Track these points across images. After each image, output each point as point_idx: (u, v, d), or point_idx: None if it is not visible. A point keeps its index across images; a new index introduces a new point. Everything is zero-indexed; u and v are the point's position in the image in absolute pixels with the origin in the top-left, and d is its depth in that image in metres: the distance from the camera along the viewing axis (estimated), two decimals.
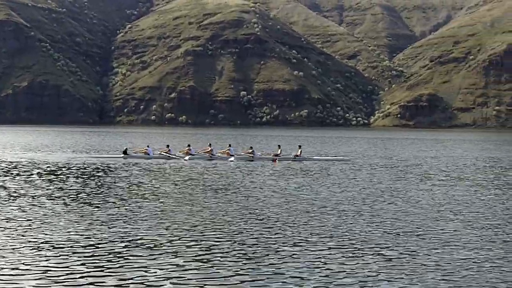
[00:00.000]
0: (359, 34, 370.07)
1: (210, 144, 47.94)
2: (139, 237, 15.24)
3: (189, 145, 47.18)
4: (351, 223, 17.72)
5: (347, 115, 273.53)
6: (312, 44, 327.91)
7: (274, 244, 14.84)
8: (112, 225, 16.74)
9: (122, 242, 14.68)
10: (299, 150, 46.05)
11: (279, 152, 46.35)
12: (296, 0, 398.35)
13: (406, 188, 26.98)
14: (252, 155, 45.67)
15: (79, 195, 22.92)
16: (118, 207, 20.16)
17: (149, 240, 14.92)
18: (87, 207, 20.01)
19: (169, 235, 15.63)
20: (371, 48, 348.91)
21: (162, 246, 14.30)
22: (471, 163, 44.49)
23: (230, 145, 47.53)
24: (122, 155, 44.41)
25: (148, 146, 47.08)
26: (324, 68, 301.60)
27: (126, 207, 20.07)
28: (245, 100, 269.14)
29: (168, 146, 47.10)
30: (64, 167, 35.67)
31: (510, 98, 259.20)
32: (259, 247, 14.50)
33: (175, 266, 12.53)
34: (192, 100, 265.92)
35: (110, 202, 21.25)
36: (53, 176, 30.16)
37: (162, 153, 45.22)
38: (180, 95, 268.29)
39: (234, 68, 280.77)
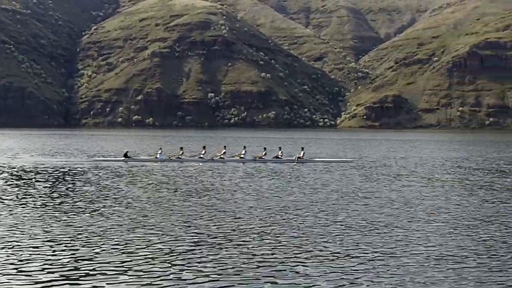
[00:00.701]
0: (325, 36, 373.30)
1: (225, 147, 47.95)
2: (106, 242, 15.53)
3: (204, 147, 46.89)
4: (321, 224, 18.25)
5: (314, 116, 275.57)
6: (279, 46, 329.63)
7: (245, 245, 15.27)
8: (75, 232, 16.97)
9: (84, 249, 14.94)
10: (302, 152, 45.81)
11: (280, 154, 46.11)
12: (263, 2, 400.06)
13: (377, 188, 27.69)
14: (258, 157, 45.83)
15: (50, 200, 23.04)
16: (85, 212, 20.38)
17: (119, 247, 15.22)
18: (54, 211, 20.19)
19: (138, 241, 15.94)
20: (337, 50, 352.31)
21: (135, 253, 14.59)
22: (440, 164, 45.52)
23: (244, 147, 47.85)
24: (123, 158, 44.07)
25: (161, 148, 47.01)
26: (291, 70, 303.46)
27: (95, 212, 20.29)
28: (212, 102, 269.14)
29: (181, 148, 47.19)
30: (67, 171, 35.53)
31: (474, 99, 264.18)
32: (230, 250, 14.92)
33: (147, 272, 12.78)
34: (159, 102, 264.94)
35: (78, 207, 21.43)
36: (20, 181, 30.14)
37: (172, 157, 45.23)
38: (147, 97, 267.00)
39: (201, 70, 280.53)
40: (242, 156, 45.43)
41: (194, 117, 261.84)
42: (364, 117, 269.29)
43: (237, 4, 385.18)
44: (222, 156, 45.09)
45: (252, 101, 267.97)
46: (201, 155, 44.85)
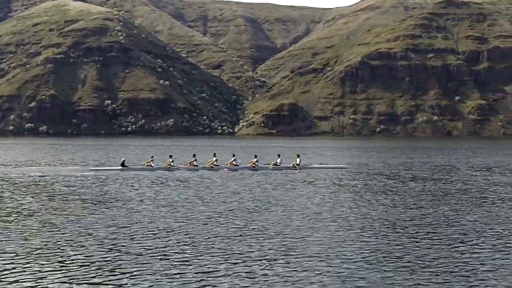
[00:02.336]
0: (223, 44, 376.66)
1: (214, 154, 48.20)
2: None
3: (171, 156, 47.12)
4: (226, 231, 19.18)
5: (213, 124, 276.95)
6: (177, 53, 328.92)
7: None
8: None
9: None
10: (298, 159, 46.70)
11: (279, 161, 46.76)
12: (160, 9, 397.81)
13: (285, 195, 28.96)
14: (254, 164, 46.10)
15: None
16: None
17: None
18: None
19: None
20: (235, 59, 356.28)
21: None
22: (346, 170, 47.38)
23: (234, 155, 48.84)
24: (120, 167, 43.93)
25: (152, 157, 46.57)
26: (190, 78, 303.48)
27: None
28: (109, 109, 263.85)
29: (171, 156, 47.20)
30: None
31: (365, 107, 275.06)
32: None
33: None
34: (53, 109, 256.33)
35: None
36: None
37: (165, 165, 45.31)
38: (40, 104, 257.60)
39: (97, 77, 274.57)
40: (234, 163, 46.01)
41: (90, 125, 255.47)
42: (261, 124, 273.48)
43: (134, 11, 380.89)
44: (214, 164, 45.45)
45: (150, 108, 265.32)
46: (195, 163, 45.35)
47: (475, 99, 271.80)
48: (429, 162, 60.14)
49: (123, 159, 47.41)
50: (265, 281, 12.86)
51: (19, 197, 26.62)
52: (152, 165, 44.51)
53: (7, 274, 13.12)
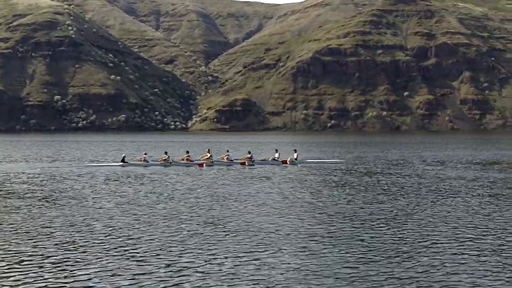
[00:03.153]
0: (176, 39, 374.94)
1: (208, 150, 48.88)
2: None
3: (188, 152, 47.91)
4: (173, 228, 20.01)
5: (165, 119, 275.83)
6: (129, 48, 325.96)
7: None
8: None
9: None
10: (296, 154, 47.72)
11: (277, 156, 47.31)
12: (112, 4, 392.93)
13: (241, 191, 29.90)
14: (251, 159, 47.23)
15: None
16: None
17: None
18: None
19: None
20: (187, 54, 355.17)
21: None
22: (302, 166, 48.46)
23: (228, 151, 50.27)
24: (121, 163, 44.38)
25: (145, 154, 47.12)
26: (142, 73, 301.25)
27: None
28: (59, 105, 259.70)
29: (166, 153, 47.71)
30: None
31: (316, 103, 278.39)
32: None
33: None
34: (0, 105, 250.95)
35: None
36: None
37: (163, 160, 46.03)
38: None
39: (47, 72, 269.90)
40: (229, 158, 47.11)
41: (39, 120, 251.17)
42: (215, 120, 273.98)
43: (84, 5, 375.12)
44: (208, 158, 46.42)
45: (101, 104, 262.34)
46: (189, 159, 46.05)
47: (423, 94, 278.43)
48: (383, 156, 61.95)
49: (123, 155, 47.73)
50: (221, 276, 13.57)
51: None
52: (147, 160, 45.53)
53: None
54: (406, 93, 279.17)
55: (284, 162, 47.24)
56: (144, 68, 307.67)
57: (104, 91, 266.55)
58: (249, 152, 49.12)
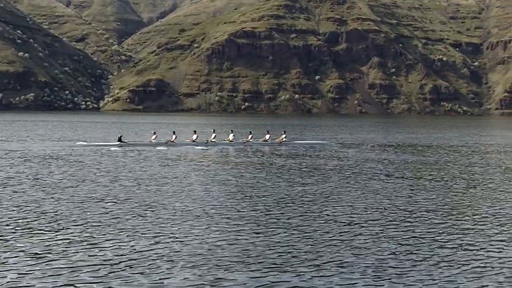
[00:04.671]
0: (87, 17, 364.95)
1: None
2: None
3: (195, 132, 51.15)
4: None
5: (76, 99, 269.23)
6: (38, 24, 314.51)
7: None
8: None
9: None
10: (284, 136, 52.91)
11: (267, 138, 52.27)
12: None
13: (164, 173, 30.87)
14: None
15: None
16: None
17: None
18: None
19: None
20: (99, 32, 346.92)
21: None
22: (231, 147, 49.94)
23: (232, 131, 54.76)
24: (118, 142, 45.79)
25: (155, 133, 49.72)
26: (52, 50, 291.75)
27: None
28: None
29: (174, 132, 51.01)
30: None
31: (231, 85, 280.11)
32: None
33: None
34: None
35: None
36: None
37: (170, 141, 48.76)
38: None
39: None
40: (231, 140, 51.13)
41: None
42: (127, 100, 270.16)
43: None
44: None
45: (8, 82, 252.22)
46: (194, 140, 49.17)
47: (333, 78, 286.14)
48: (299, 138, 64.27)
49: (119, 135, 48.53)
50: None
51: None
52: (153, 141, 47.82)
53: None
54: (317, 77, 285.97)
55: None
56: (54, 46, 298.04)
57: (11, 69, 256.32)
58: (250, 133, 54.69)
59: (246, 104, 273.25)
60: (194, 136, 49.45)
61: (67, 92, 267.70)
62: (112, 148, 43.84)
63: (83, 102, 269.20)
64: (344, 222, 18.01)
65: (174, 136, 49.38)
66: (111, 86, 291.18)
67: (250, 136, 52.50)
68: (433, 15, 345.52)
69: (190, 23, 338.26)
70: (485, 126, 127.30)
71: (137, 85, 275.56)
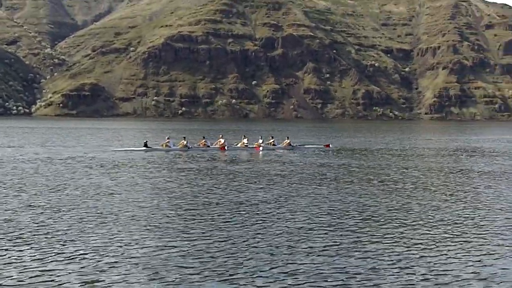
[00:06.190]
0: (19, 19, 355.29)
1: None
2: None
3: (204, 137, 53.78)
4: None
5: (7, 104, 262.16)
6: None
7: None
8: None
9: None
10: (288, 141, 55.16)
11: (273, 141, 54.80)
12: None
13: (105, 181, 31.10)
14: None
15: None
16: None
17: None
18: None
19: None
20: (32, 35, 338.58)
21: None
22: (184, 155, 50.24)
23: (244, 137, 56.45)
24: (144, 148, 46.80)
25: (168, 138, 50.00)
26: None
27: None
28: None
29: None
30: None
31: (168, 89, 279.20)
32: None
33: None
34: None
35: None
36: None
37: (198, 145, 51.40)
38: None
39: None
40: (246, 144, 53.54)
41: None
42: (61, 105, 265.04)
43: None
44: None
45: None
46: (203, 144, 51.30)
47: (270, 83, 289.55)
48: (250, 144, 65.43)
49: (145, 140, 49.82)
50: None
51: None
52: (170, 145, 48.69)
53: None
54: (254, 82, 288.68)
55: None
56: None
57: None
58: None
59: (183, 108, 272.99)
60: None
61: None
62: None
63: (14, 107, 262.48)
64: (286, 229, 18.27)
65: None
66: (43, 91, 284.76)
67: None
68: (366, 22, 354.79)
69: (126, 26, 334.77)
70: (418, 131, 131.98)
71: (70, 89, 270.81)
